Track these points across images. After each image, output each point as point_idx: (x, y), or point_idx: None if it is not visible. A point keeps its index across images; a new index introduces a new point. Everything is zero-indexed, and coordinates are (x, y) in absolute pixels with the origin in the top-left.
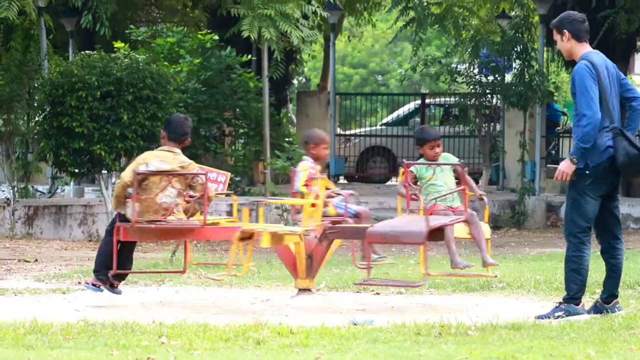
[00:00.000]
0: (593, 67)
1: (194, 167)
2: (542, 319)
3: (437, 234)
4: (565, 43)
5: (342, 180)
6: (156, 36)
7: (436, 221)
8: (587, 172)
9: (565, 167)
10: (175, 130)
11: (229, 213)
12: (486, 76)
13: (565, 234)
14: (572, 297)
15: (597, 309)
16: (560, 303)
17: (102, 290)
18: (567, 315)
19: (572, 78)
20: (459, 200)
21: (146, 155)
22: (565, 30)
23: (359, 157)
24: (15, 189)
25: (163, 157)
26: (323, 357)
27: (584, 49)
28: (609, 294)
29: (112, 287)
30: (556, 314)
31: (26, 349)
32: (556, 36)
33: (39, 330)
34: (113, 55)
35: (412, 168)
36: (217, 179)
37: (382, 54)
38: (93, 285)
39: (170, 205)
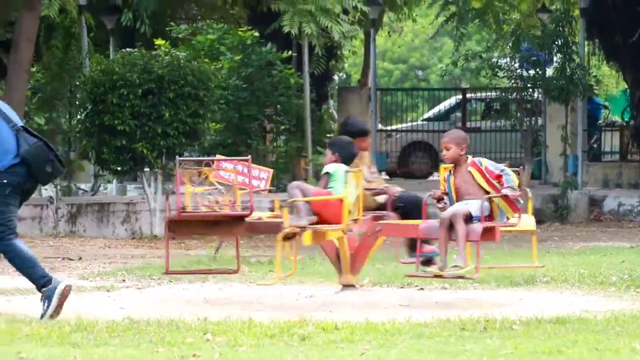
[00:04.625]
0: None
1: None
2: None
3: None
4: None
5: (383, 176)
6: (196, 33)
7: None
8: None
9: None
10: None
11: (271, 209)
12: (527, 70)
13: None
14: None
15: None
16: None
17: None
18: None
19: None
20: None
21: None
22: None
23: (401, 153)
24: (58, 187)
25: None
26: (368, 353)
27: None
28: None
29: None
30: None
31: (72, 347)
32: None
33: (85, 328)
34: (154, 52)
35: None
36: (259, 176)
37: (422, 49)
38: None
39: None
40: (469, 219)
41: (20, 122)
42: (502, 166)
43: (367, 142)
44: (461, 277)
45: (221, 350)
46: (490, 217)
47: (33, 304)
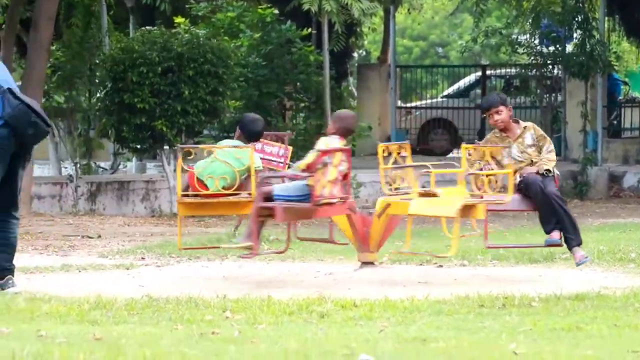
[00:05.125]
0: None
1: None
2: None
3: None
4: None
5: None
6: (216, 11)
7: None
8: None
9: None
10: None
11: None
12: (547, 47)
13: None
14: None
15: None
16: None
17: None
18: None
19: None
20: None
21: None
22: None
23: (420, 130)
24: (78, 165)
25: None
26: (387, 330)
27: None
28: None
29: None
30: None
31: (91, 325)
32: None
33: (104, 305)
34: (173, 30)
35: None
36: (278, 153)
37: (442, 26)
38: None
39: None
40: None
41: (8, 84)
42: None
43: None
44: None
45: (240, 327)
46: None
47: (52, 281)
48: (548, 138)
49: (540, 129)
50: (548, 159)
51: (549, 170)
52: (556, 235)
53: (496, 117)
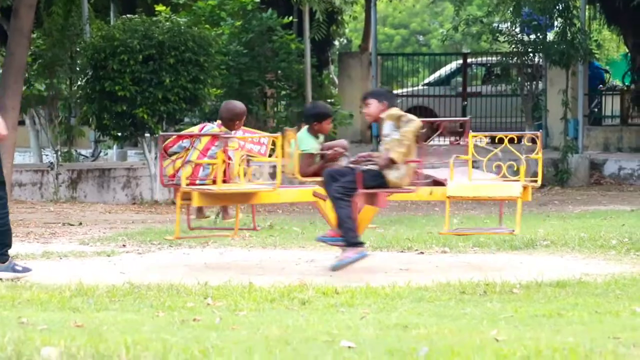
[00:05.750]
0: None
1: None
2: None
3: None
4: None
5: None
6: None
7: None
8: None
9: None
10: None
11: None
12: (528, 35)
13: None
14: None
15: None
16: None
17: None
18: None
19: None
20: None
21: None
22: None
23: None
24: (59, 153)
25: None
26: (368, 317)
27: None
28: None
29: None
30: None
31: (72, 312)
32: None
33: (85, 292)
34: (154, 18)
35: None
36: (259, 141)
37: (423, 14)
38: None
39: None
40: None
41: None
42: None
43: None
44: None
45: (221, 314)
46: None
47: (34, 269)
48: (405, 121)
49: (402, 114)
50: (392, 147)
51: (392, 160)
52: (330, 233)
53: (365, 109)
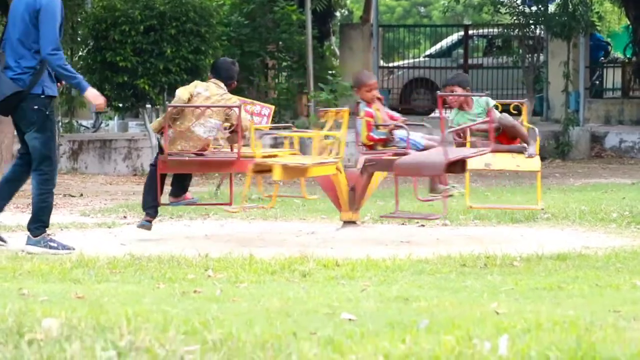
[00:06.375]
0: None
1: (233, 101)
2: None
3: (457, 167)
4: None
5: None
6: None
7: (456, 154)
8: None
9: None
10: (221, 73)
11: (273, 146)
12: (529, 7)
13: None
14: None
15: None
16: None
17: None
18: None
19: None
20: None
21: (195, 82)
22: None
23: (403, 89)
24: (60, 124)
25: (207, 87)
26: (369, 289)
27: None
28: None
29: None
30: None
31: (73, 283)
32: None
33: (86, 264)
34: None
35: None
36: (261, 112)
37: None
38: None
39: (206, 137)
40: None
41: None
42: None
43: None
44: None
45: (222, 286)
46: None
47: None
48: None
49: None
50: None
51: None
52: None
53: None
